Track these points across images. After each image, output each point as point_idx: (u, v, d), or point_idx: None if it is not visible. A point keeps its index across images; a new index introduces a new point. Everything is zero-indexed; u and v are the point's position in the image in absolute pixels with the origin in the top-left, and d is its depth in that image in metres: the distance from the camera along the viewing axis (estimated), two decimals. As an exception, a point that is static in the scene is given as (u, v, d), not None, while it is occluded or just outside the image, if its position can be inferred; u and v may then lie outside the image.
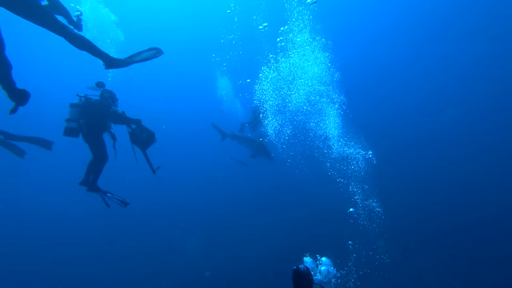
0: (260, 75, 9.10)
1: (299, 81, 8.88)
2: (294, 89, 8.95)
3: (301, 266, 3.06)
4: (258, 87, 9.05)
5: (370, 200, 8.49)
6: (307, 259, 4.59)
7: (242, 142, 10.84)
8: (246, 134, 10.70)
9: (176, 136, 20.72)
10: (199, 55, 21.00)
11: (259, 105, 9.21)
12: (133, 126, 5.63)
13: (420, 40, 19.51)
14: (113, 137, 5.54)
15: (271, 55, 9.03)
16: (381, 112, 18.88)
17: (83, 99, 5.23)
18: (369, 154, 8.58)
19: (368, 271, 8.30)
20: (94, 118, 5.20)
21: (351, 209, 8.43)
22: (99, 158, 5.44)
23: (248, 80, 11.02)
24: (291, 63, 8.76)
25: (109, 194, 5.68)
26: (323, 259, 4.65)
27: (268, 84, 8.95)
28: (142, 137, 5.57)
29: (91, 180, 5.49)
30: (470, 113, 16.82)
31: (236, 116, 14.92)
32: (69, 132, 5.05)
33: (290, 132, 9.39)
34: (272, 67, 9.04)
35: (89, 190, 5.55)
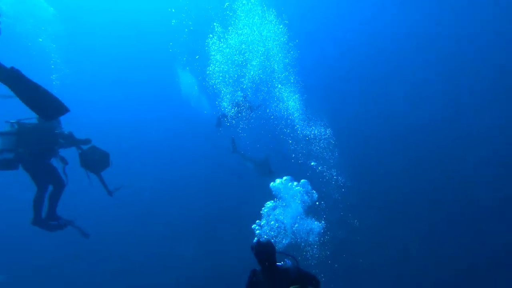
0: (212, 43, 8.56)
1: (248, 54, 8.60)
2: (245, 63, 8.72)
3: (261, 239, 3.01)
4: (211, 67, 8.71)
5: (333, 170, 8.78)
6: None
7: (248, 161, 10.87)
8: (254, 156, 10.64)
9: (147, 146, 19.78)
10: (154, 48, 19.92)
11: (242, 97, 8.77)
12: (84, 147, 5.12)
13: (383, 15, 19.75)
14: (63, 160, 5.03)
15: (215, 24, 8.58)
16: (339, 92, 19.22)
17: (15, 125, 4.54)
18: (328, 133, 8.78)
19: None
20: (37, 144, 4.59)
21: (312, 163, 8.62)
22: (56, 187, 4.99)
23: (197, 57, 10.56)
24: (239, 34, 8.40)
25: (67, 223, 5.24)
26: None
27: (219, 56, 8.58)
28: (94, 159, 5.07)
29: (47, 212, 4.96)
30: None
31: (204, 112, 14.50)
32: (5, 164, 4.40)
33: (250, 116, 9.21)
34: (218, 37, 8.58)
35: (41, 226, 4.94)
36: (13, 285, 12.76)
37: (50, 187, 4.99)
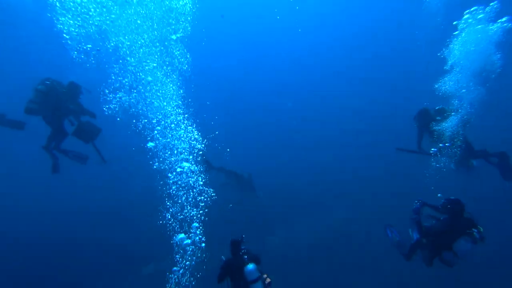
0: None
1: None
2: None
3: (232, 238, 4.70)
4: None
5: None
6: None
7: (231, 177, 11.24)
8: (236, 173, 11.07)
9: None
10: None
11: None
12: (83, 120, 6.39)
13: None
14: (73, 123, 6.47)
15: None
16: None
17: (48, 84, 5.88)
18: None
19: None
20: (55, 104, 5.90)
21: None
22: (61, 135, 6.35)
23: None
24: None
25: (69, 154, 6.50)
26: None
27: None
28: (87, 130, 6.39)
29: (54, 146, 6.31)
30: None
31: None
32: (29, 111, 5.57)
33: None
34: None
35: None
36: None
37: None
